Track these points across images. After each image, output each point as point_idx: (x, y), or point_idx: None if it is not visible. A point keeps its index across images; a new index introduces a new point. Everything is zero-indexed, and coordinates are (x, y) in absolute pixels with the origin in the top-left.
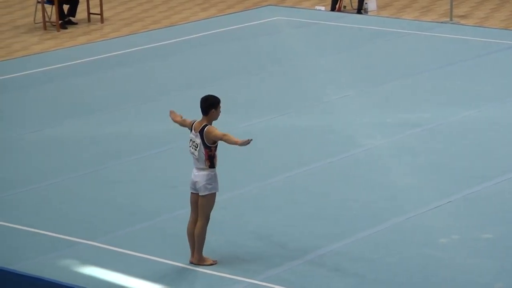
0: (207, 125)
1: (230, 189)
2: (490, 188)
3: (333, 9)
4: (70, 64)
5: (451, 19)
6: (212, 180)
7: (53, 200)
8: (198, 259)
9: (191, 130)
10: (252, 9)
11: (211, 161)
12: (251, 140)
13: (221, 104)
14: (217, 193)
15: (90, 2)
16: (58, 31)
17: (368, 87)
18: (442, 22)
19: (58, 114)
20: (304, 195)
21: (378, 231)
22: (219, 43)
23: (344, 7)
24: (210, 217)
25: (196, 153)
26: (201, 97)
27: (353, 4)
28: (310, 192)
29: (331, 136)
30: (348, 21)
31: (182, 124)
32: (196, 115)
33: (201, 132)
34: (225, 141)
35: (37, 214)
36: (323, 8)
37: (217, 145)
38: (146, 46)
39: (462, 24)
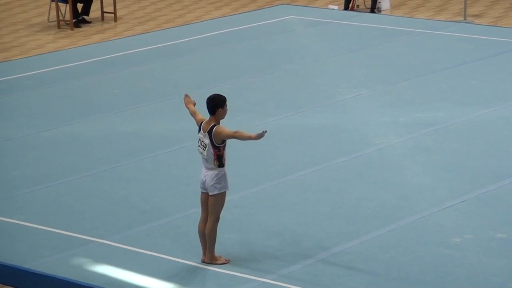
0: (215, 125)
1: (244, 188)
2: (504, 188)
3: (346, 8)
4: (84, 62)
5: (465, 19)
6: (221, 180)
7: (67, 198)
8: (210, 258)
9: (199, 130)
10: (266, 8)
11: (219, 160)
12: (266, 131)
13: (227, 103)
14: (227, 192)
15: (104, 1)
16: (72, 29)
17: (382, 86)
18: (456, 22)
19: (73, 112)
20: (318, 194)
21: (392, 230)
22: (232, 42)
23: (357, 6)
24: (221, 216)
25: (204, 153)
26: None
27: (366, 3)
28: (323, 191)
29: (344, 135)
30: (361, 20)
31: (193, 113)
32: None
33: (209, 132)
34: (238, 138)
35: (51, 213)
36: (336, 7)
37: (225, 145)
38: (160, 45)
39: (476, 24)
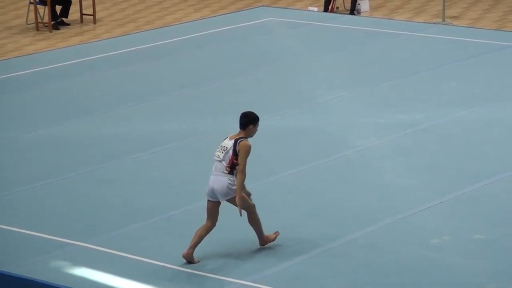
0: (244, 138)
1: None
2: (482, 189)
3: (326, 10)
4: (63, 65)
5: (443, 20)
6: (233, 184)
7: (47, 200)
8: (263, 240)
9: (224, 140)
10: (245, 10)
11: (232, 168)
12: (240, 211)
13: (259, 122)
14: None
15: (83, 3)
16: (51, 32)
17: (362, 87)
18: (434, 23)
19: (53, 114)
20: (298, 196)
21: (371, 232)
22: (212, 43)
23: (337, 8)
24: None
25: (221, 155)
26: (242, 112)
27: (346, 5)
28: (304, 192)
29: (325, 136)
30: (341, 22)
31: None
32: (191, 115)
33: (236, 140)
34: (238, 173)
35: (31, 215)
36: (316, 9)
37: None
38: (139, 47)
39: (455, 25)
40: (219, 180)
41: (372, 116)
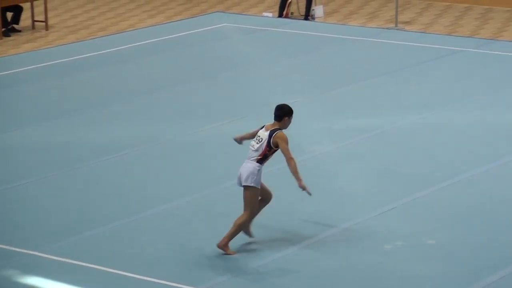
0: (280, 129)
1: (178, 196)
2: (433, 194)
3: (280, 15)
4: (14, 72)
5: (396, 25)
6: (256, 174)
7: None
8: (224, 244)
9: (261, 129)
10: (200, 15)
11: (263, 157)
12: (308, 191)
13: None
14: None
15: (35, 10)
16: (1, 38)
17: (316, 93)
18: (387, 28)
19: (5, 122)
20: None
21: (326, 237)
22: (167, 50)
23: (292, 13)
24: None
25: (256, 146)
26: (276, 104)
27: (300, 11)
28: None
29: None
30: (295, 27)
31: (246, 136)
32: (147, 121)
33: (272, 132)
34: (287, 162)
35: None
36: (270, 14)
37: (275, 151)
38: (93, 54)
39: (407, 30)
40: (247, 166)
41: (327, 122)
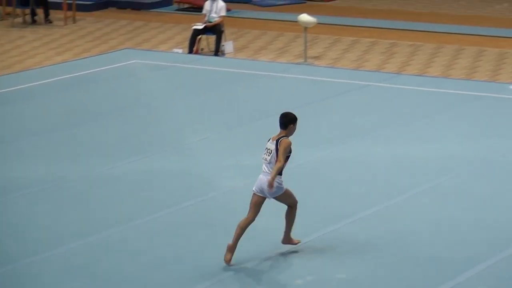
0: (284, 136)
1: (90, 233)
2: (343, 228)
3: (190, 51)
4: None
5: (305, 60)
6: (280, 183)
7: None
8: (288, 239)
9: (269, 141)
10: (109, 52)
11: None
12: (272, 186)
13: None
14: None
15: None
16: None
17: (227, 129)
18: (297, 63)
19: None
20: (165, 239)
21: (236, 274)
22: (75, 87)
23: (202, 49)
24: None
25: (268, 158)
26: (280, 113)
27: (210, 47)
28: (171, 235)
29: (191, 178)
30: (206, 63)
31: None
32: (52, 159)
33: (277, 141)
34: (277, 163)
35: None
36: (180, 50)
37: (288, 158)
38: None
39: (316, 65)
40: (267, 180)
41: (237, 157)
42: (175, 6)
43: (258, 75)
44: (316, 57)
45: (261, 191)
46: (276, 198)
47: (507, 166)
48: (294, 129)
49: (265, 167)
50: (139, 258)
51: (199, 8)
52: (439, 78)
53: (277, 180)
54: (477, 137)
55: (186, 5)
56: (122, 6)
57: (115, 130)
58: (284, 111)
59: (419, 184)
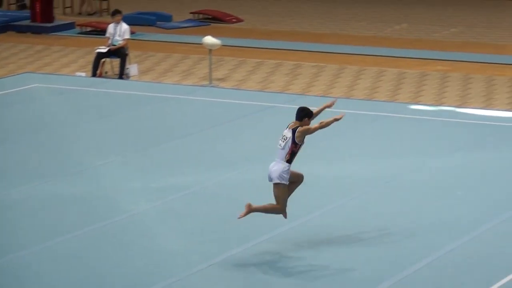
0: (300, 126)
1: None
2: (249, 250)
3: (94, 75)
4: None
5: (211, 82)
6: (286, 172)
7: None
8: (250, 210)
9: (286, 128)
10: (8, 76)
11: (291, 156)
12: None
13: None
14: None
15: None
16: None
17: (132, 152)
18: (202, 86)
19: None
20: (70, 263)
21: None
22: None
23: (106, 72)
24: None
25: (283, 144)
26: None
27: (114, 70)
28: (76, 259)
29: (96, 202)
30: (110, 86)
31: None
32: None
33: (294, 129)
34: (325, 125)
35: None
36: (83, 74)
37: (301, 146)
38: None
39: (221, 87)
40: (277, 166)
41: (144, 180)
42: (78, 29)
43: (163, 97)
44: (222, 79)
45: (269, 177)
46: (274, 187)
47: (408, 184)
48: (309, 123)
49: (278, 154)
50: (41, 285)
51: (102, 31)
52: (342, 99)
53: (284, 168)
54: (379, 157)
55: (88, 29)
56: (21, 30)
57: (16, 155)
58: (301, 106)
59: (324, 205)
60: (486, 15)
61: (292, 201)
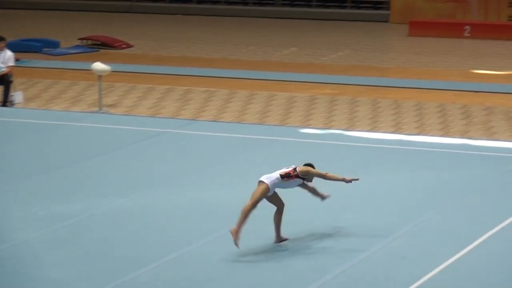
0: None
1: None
2: (141, 276)
3: None
4: None
5: (100, 109)
6: (276, 179)
7: None
8: (236, 231)
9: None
10: None
11: (286, 175)
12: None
13: None
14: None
15: None
16: None
17: (18, 180)
18: (91, 112)
19: None
20: None
21: None
22: None
23: None
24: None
25: (284, 169)
26: None
27: None
28: None
29: None
30: None
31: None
32: None
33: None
34: (330, 177)
35: None
36: None
37: (297, 181)
38: None
39: (112, 113)
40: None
41: (29, 209)
42: None
43: (51, 124)
44: (112, 105)
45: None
46: (258, 184)
47: (300, 207)
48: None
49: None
50: None
51: None
52: (233, 123)
53: (276, 177)
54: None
55: None
56: None
57: None
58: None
59: (216, 229)
60: (370, 39)
61: (183, 228)
